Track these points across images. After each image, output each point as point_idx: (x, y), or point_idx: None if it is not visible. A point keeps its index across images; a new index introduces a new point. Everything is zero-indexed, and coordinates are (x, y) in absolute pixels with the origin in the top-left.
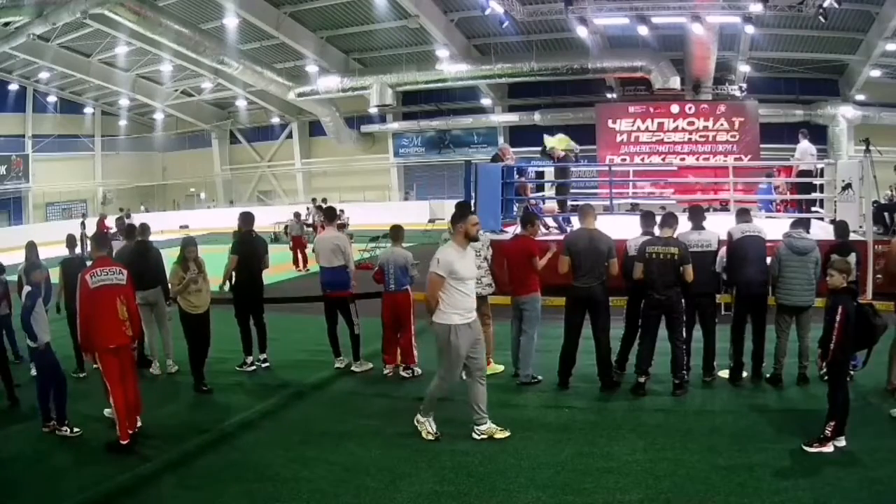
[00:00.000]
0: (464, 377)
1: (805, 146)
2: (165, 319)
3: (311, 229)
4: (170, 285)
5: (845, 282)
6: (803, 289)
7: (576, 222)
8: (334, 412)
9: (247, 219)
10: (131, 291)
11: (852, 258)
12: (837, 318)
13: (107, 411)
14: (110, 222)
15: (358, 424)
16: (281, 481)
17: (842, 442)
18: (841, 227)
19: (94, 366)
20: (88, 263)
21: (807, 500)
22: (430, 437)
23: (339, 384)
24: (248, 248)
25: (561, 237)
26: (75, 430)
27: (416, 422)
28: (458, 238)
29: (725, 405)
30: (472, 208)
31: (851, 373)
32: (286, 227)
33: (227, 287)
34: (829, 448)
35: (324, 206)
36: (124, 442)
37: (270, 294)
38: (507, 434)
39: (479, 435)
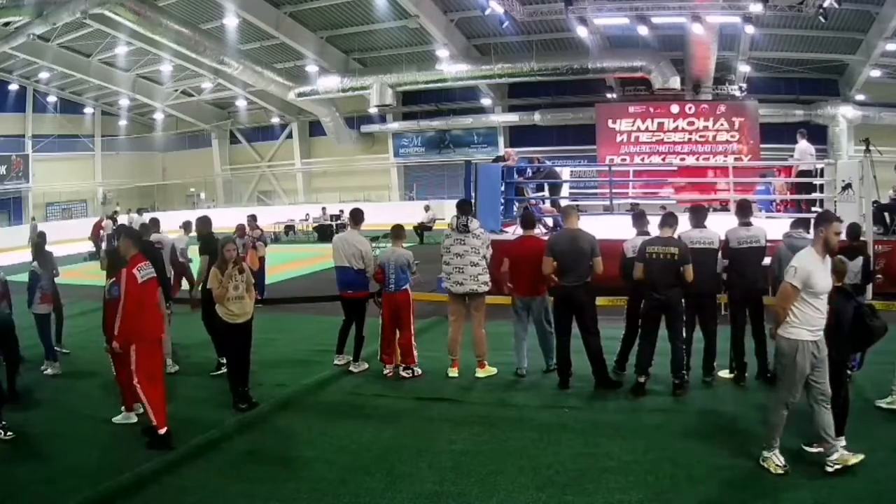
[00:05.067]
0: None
1: (804, 146)
2: (166, 320)
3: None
4: (212, 290)
5: (838, 282)
6: None
7: None
8: (334, 412)
9: (206, 222)
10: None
11: (858, 262)
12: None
13: (116, 418)
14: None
15: (358, 425)
16: (281, 481)
17: (842, 442)
18: (853, 230)
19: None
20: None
21: (807, 500)
22: (780, 471)
23: (338, 384)
24: (214, 248)
25: None
26: (8, 433)
27: (761, 461)
28: (817, 245)
29: (725, 405)
30: (472, 208)
31: (849, 373)
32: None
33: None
34: None
35: (253, 223)
36: (162, 430)
37: (272, 294)
38: (860, 458)
39: (832, 466)
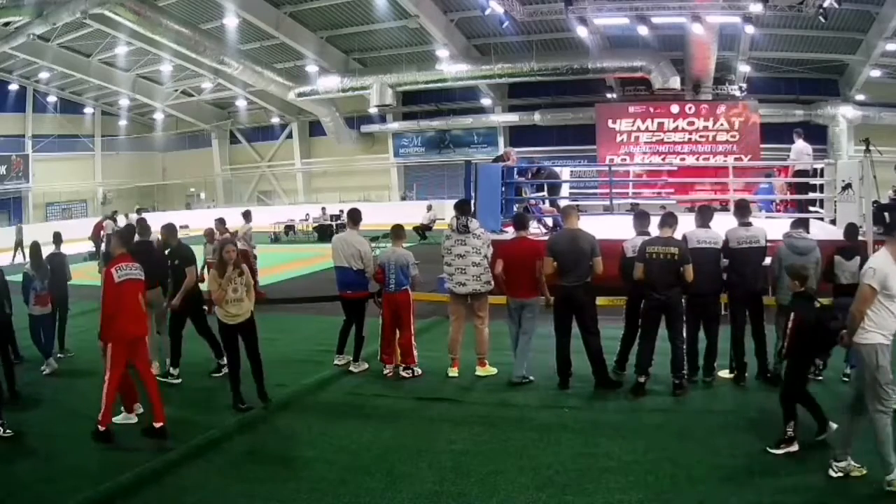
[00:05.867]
0: None
1: (800, 146)
2: (165, 320)
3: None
4: (211, 294)
5: (800, 286)
6: None
7: None
8: (334, 412)
9: (171, 230)
10: (145, 288)
11: (856, 262)
12: (790, 322)
13: (116, 418)
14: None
15: (358, 425)
16: (281, 481)
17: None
18: (850, 230)
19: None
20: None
21: (807, 500)
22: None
23: (338, 384)
24: (188, 257)
25: None
26: (7, 431)
27: (886, 486)
28: (893, 247)
29: (725, 405)
30: (472, 208)
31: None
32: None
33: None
34: (794, 447)
35: (222, 227)
36: (102, 428)
37: (275, 294)
38: (864, 472)
39: (836, 472)
